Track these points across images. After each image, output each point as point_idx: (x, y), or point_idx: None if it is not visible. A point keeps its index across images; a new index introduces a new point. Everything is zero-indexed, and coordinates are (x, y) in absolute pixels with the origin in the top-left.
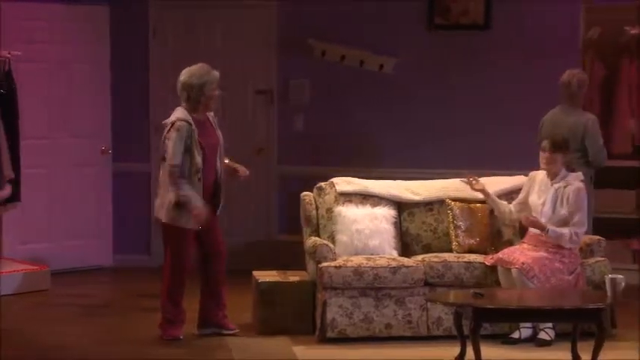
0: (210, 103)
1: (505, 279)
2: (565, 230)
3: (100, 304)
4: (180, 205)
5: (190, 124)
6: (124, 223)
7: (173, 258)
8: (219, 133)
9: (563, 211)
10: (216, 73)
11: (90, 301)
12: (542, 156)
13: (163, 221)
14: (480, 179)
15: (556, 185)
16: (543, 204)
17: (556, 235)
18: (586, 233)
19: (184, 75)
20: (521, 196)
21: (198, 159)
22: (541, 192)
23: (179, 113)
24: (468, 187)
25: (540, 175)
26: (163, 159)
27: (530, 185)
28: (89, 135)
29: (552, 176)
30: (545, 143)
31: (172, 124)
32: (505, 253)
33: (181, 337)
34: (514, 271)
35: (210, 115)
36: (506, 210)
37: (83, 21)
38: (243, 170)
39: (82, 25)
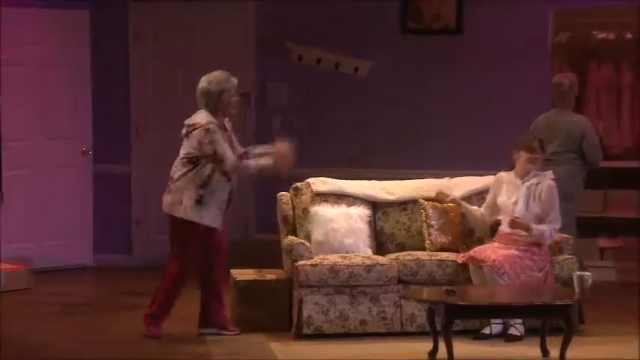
0: (228, 109)
1: (477, 276)
2: (546, 228)
3: (81, 302)
4: (200, 203)
5: (217, 125)
6: (105, 223)
7: (181, 255)
8: (234, 138)
9: (536, 209)
10: (234, 80)
11: (71, 299)
12: (529, 157)
13: (180, 217)
14: (452, 182)
15: (527, 183)
16: (515, 203)
17: (539, 233)
18: (566, 232)
19: (203, 82)
20: (489, 199)
21: None
22: (510, 192)
23: (206, 116)
24: (440, 186)
25: (507, 176)
26: (189, 160)
27: (498, 187)
28: (70, 137)
29: (523, 175)
30: (535, 144)
31: (205, 128)
32: (476, 251)
33: (161, 336)
34: (485, 268)
35: (226, 120)
36: (478, 215)
37: (63, 25)
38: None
39: (63, 29)
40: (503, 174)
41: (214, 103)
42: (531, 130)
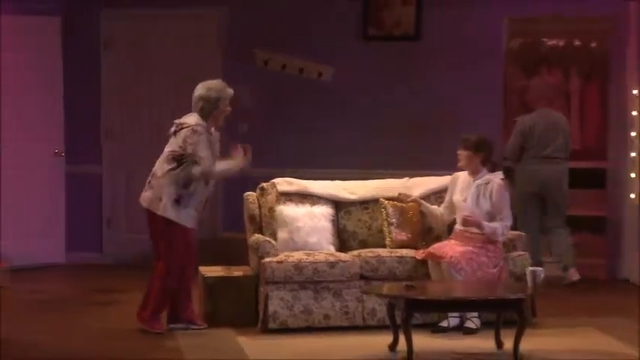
0: (220, 117)
1: (435, 272)
2: (498, 225)
3: (54, 299)
4: (179, 203)
5: (204, 129)
6: (77, 222)
7: (167, 253)
8: (216, 148)
9: (486, 206)
10: (230, 91)
11: (44, 296)
12: (459, 155)
13: (160, 214)
14: (411, 182)
15: (477, 182)
16: (465, 200)
17: (491, 231)
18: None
19: (203, 88)
20: (447, 198)
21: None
22: (463, 190)
23: (196, 119)
24: (400, 186)
25: (462, 175)
26: (173, 157)
27: (453, 186)
28: (43, 139)
29: (474, 174)
30: (462, 142)
31: (193, 128)
32: (435, 248)
33: (164, 331)
34: (443, 264)
35: (213, 130)
36: (438, 214)
37: (36, 31)
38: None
39: (35, 35)
40: (458, 173)
41: (210, 109)
42: (525, 131)
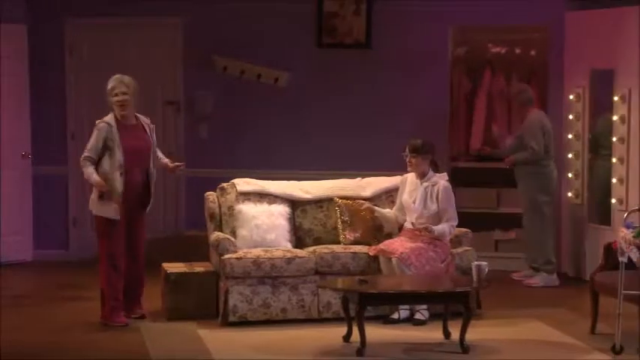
0: (115, 107)
1: (386, 267)
2: (445, 226)
3: (21, 295)
4: (102, 197)
5: (111, 125)
6: (44, 221)
7: (102, 248)
8: (149, 138)
9: (433, 207)
10: (115, 81)
11: (11, 292)
12: (410, 161)
13: (92, 212)
14: (364, 181)
15: (425, 184)
16: (414, 201)
17: (441, 232)
18: (544, 220)
19: None
20: (398, 201)
21: (119, 157)
22: (411, 192)
23: (107, 117)
24: (353, 185)
25: (409, 177)
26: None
27: (402, 187)
28: (11, 141)
29: (421, 176)
30: (409, 147)
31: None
32: (386, 245)
33: (127, 323)
34: (394, 260)
35: (146, 122)
36: (392, 217)
37: (3, 38)
38: (172, 165)
39: (2, 41)
40: (407, 175)
41: (109, 100)
42: (544, 129)
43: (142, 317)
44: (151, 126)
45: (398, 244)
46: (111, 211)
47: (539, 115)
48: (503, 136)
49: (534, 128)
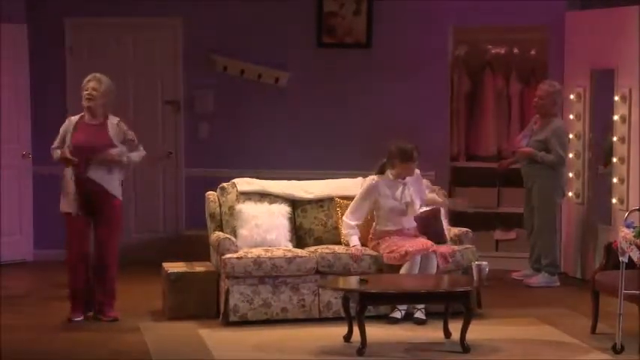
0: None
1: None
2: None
3: (21, 294)
4: (62, 191)
5: (71, 122)
6: (44, 220)
7: (66, 244)
8: (108, 137)
9: (423, 196)
10: (94, 75)
11: (12, 292)
12: (412, 165)
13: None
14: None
15: (408, 179)
16: (410, 199)
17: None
18: (555, 222)
19: None
20: (365, 209)
21: (65, 150)
22: (395, 195)
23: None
24: (353, 185)
25: (380, 182)
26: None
27: (376, 197)
28: (11, 141)
29: (401, 177)
30: (415, 154)
31: None
32: (394, 252)
33: (78, 319)
34: (417, 258)
35: (113, 122)
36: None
37: (3, 38)
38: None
39: (3, 41)
40: (376, 182)
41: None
42: (567, 141)
43: (115, 320)
44: (121, 125)
45: (407, 244)
46: (65, 205)
47: (563, 122)
48: (512, 138)
49: (563, 136)
